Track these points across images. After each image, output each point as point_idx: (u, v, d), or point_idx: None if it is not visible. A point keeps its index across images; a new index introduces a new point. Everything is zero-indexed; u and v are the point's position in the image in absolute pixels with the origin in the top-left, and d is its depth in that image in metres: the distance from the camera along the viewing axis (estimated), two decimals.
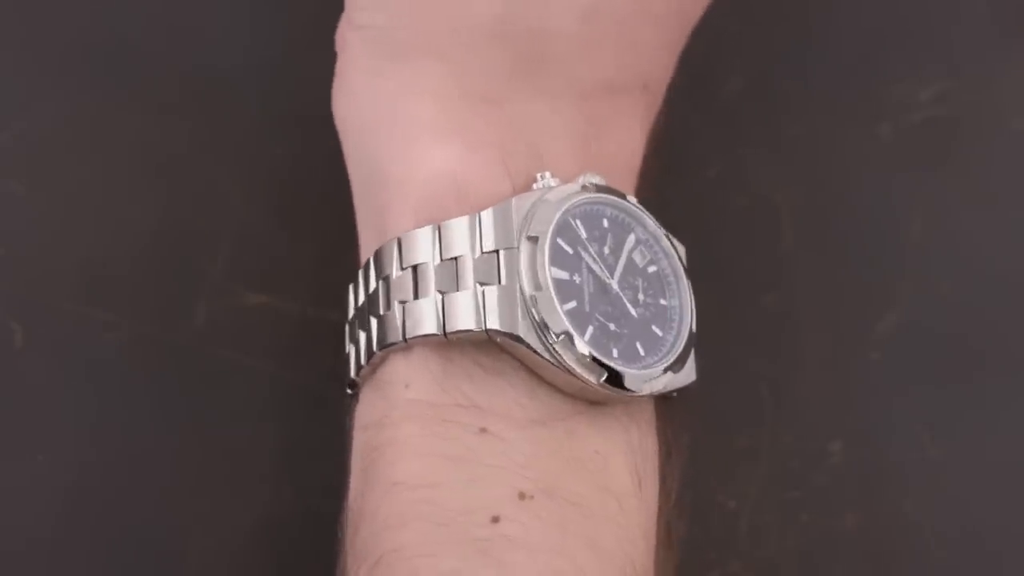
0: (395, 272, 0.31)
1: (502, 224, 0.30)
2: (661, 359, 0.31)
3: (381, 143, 0.32)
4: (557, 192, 0.31)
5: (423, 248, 0.31)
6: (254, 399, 0.38)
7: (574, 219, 0.31)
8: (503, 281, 0.30)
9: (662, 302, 0.32)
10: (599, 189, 0.31)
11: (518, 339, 0.30)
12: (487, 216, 0.30)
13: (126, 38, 0.41)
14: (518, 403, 0.30)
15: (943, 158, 0.42)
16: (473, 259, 0.30)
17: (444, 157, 0.31)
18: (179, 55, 0.41)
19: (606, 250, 0.31)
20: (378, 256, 0.31)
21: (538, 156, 0.32)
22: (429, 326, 0.30)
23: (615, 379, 0.30)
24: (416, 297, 0.31)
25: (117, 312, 0.39)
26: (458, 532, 0.29)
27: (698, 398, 0.35)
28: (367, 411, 0.31)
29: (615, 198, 0.32)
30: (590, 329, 0.30)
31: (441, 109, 0.32)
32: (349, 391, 0.32)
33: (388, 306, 0.31)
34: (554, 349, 0.30)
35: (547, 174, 0.31)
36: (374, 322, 0.31)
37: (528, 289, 0.30)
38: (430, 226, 0.31)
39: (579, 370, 0.30)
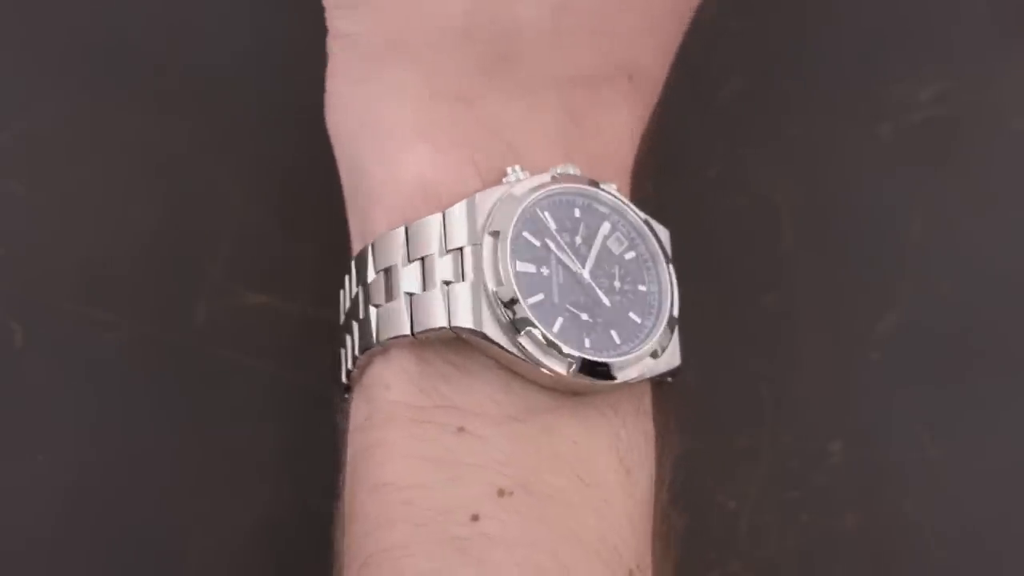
0: (371, 276, 0.31)
1: (465, 221, 0.30)
2: (638, 345, 0.31)
3: (363, 149, 0.32)
4: (523, 185, 0.31)
5: (393, 250, 0.31)
6: (254, 399, 0.38)
7: (542, 211, 0.31)
8: (468, 278, 0.30)
9: (640, 288, 0.32)
10: (572, 179, 0.31)
11: (484, 336, 0.30)
12: (450, 214, 0.31)
13: (126, 38, 0.41)
14: (493, 400, 0.30)
15: (943, 158, 0.42)
16: (439, 258, 0.30)
17: (414, 159, 0.31)
18: (179, 55, 0.41)
19: (578, 240, 0.31)
20: (357, 261, 0.32)
21: (514, 152, 0.32)
22: (400, 327, 0.31)
23: (588, 369, 0.30)
24: (389, 300, 0.31)
25: (117, 312, 0.39)
26: (438, 532, 0.29)
27: (698, 398, 0.35)
28: (356, 414, 0.32)
29: (586, 187, 0.32)
30: (559, 320, 0.30)
31: (413, 111, 0.32)
32: (345, 395, 0.33)
33: (366, 310, 0.31)
34: (520, 344, 0.30)
35: (517, 168, 0.31)
36: (356, 326, 0.32)
37: (491, 285, 0.30)
38: (400, 228, 0.31)
39: (547, 362, 0.30)
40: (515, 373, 0.30)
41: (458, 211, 0.31)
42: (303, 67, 0.35)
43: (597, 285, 0.31)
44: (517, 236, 0.31)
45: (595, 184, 0.32)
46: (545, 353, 0.30)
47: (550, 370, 0.30)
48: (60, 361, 0.38)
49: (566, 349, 0.30)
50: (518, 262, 0.30)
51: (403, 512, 0.29)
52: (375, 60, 0.32)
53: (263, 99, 0.41)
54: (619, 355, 0.31)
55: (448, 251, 0.30)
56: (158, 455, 0.38)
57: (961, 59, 0.42)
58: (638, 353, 0.31)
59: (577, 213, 0.32)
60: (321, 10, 0.34)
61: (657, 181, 0.35)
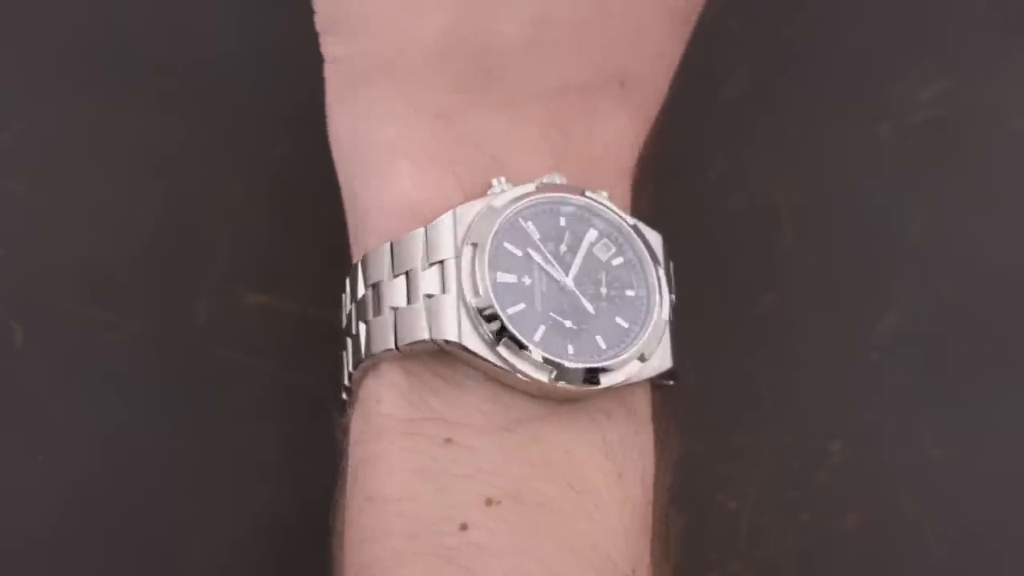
0: (361, 292, 0.32)
1: (445, 234, 0.31)
2: (624, 350, 0.31)
3: (354, 169, 0.33)
4: (504, 196, 0.31)
5: (379, 266, 0.32)
6: (254, 399, 0.38)
7: (525, 220, 0.31)
8: (448, 291, 0.31)
9: (628, 293, 0.32)
10: (559, 188, 0.32)
11: (464, 348, 0.30)
12: (432, 228, 0.31)
13: (126, 38, 0.41)
14: (480, 411, 0.31)
15: (943, 158, 0.42)
16: (422, 272, 0.31)
17: (397, 178, 0.32)
18: (179, 55, 0.41)
19: (563, 248, 0.32)
20: (351, 278, 0.33)
21: (499, 164, 0.32)
22: (386, 342, 0.31)
23: (570, 375, 0.30)
24: (377, 315, 0.31)
25: (117, 312, 0.39)
26: (428, 542, 0.29)
27: (698, 398, 0.35)
28: (353, 428, 0.32)
29: (572, 196, 0.32)
30: (541, 329, 0.31)
31: (396, 130, 0.32)
32: (347, 410, 0.33)
33: (358, 326, 0.32)
34: (499, 353, 0.30)
35: (502, 179, 0.32)
36: (349, 343, 0.32)
37: (469, 296, 0.30)
38: (386, 244, 0.31)
39: (528, 371, 0.30)
40: (504, 383, 0.31)
41: (440, 224, 0.31)
42: (303, 67, 0.35)
43: (582, 292, 0.31)
44: (497, 247, 0.31)
45: (582, 192, 0.32)
46: (525, 362, 0.30)
47: (531, 379, 0.30)
48: (60, 361, 0.38)
49: (547, 357, 0.30)
50: (499, 272, 0.31)
51: (396, 524, 0.30)
52: (362, 83, 0.33)
53: (263, 99, 0.41)
54: (603, 360, 0.31)
55: (431, 264, 0.31)
56: (158, 455, 0.38)
57: (961, 59, 0.42)
58: (624, 357, 0.31)
59: (563, 222, 0.32)
60: None
61: (657, 182, 0.35)
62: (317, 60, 0.34)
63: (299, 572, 0.37)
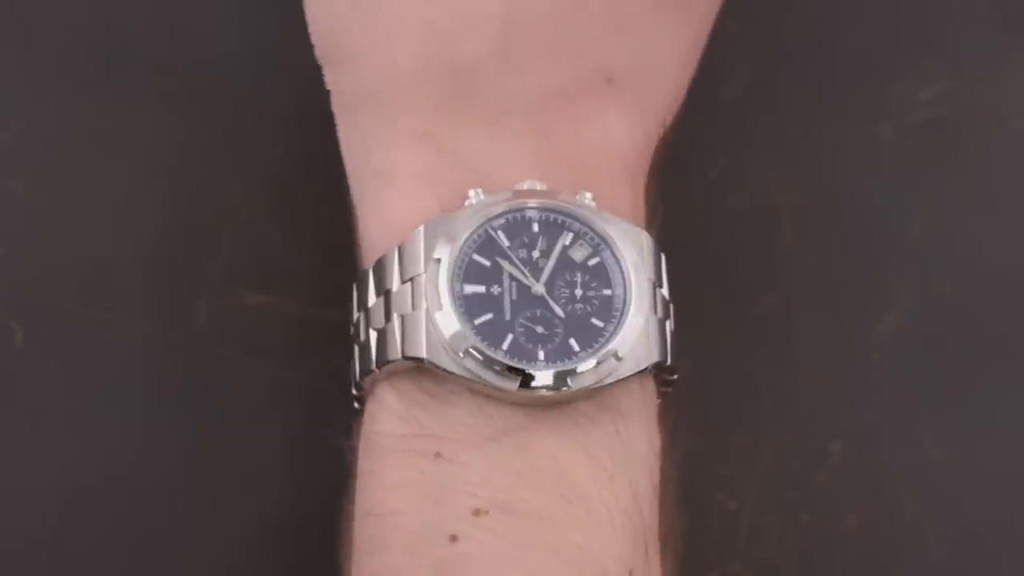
0: (354, 316, 0.33)
1: (414, 251, 0.31)
2: (596, 350, 0.31)
3: (352, 194, 0.34)
4: (472, 209, 0.31)
5: (364, 290, 0.32)
6: (254, 399, 0.38)
7: (495, 230, 0.31)
8: (417, 307, 0.31)
9: (606, 292, 0.32)
10: (534, 194, 0.32)
11: (433, 364, 0.30)
12: (404, 246, 0.31)
13: (126, 38, 0.41)
14: (464, 424, 0.31)
15: (943, 158, 0.42)
16: (395, 290, 0.31)
17: (382, 201, 0.32)
18: (179, 55, 0.41)
19: (535, 254, 0.32)
20: (352, 299, 0.33)
21: (480, 178, 0.32)
22: (368, 363, 0.32)
23: (538, 380, 0.30)
24: (365, 337, 0.32)
25: (117, 312, 0.39)
26: (423, 555, 0.30)
27: (698, 398, 0.35)
28: (359, 446, 0.33)
29: (547, 200, 0.32)
30: (509, 337, 0.31)
31: (381, 154, 0.33)
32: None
33: (353, 349, 0.33)
34: (465, 366, 0.30)
35: (479, 191, 0.32)
36: (351, 365, 0.33)
37: (433, 311, 0.31)
38: (370, 267, 0.32)
39: (494, 381, 0.30)
40: (486, 395, 0.31)
41: (410, 242, 0.31)
42: (303, 67, 0.35)
43: (554, 296, 0.31)
44: (464, 259, 0.31)
45: (557, 196, 0.32)
46: (490, 372, 0.30)
47: (498, 388, 0.30)
48: (60, 361, 0.38)
49: (512, 365, 0.30)
50: (466, 285, 0.31)
51: (394, 537, 0.30)
52: (352, 112, 0.34)
53: (263, 99, 0.41)
54: (575, 362, 0.31)
55: (403, 282, 0.31)
56: (158, 455, 0.38)
57: (961, 59, 0.42)
58: (596, 358, 0.31)
59: (535, 227, 0.32)
60: None
61: (657, 182, 0.35)
62: (317, 61, 0.34)
63: (300, 572, 0.37)
